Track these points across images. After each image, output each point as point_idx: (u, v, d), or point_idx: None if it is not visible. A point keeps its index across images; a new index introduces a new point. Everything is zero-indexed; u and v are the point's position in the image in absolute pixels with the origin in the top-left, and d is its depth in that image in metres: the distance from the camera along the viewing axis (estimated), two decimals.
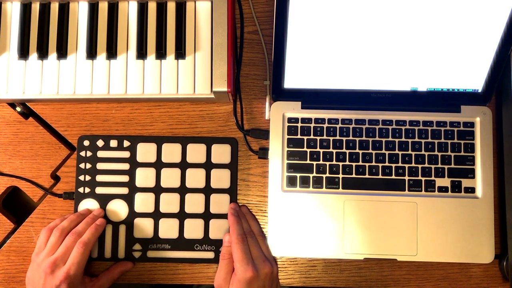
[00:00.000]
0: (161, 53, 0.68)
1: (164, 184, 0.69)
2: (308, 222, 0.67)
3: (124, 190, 0.69)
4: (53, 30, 0.69)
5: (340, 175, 0.68)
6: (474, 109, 0.69)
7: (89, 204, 0.69)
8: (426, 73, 0.65)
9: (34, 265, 0.63)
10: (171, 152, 0.70)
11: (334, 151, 0.68)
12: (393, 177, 0.68)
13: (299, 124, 0.69)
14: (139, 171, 0.69)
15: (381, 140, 0.69)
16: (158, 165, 0.69)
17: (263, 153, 0.70)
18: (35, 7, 0.69)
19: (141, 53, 0.68)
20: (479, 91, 0.67)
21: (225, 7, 0.66)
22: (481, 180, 0.68)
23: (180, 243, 0.68)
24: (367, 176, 0.68)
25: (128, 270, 0.68)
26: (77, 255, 0.62)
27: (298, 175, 0.68)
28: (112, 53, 0.68)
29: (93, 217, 0.67)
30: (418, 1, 0.59)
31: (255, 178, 0.71)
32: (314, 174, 0.68)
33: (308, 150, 0.69)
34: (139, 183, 0.69)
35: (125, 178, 0.69)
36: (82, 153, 0.70)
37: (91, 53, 0.68)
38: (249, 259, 0.62)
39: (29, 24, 0.69)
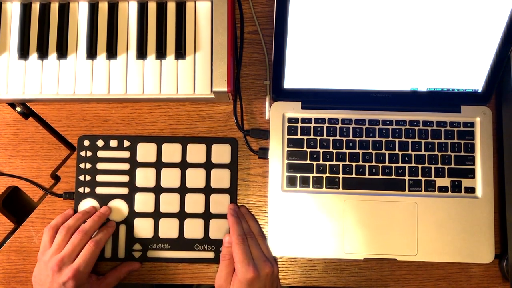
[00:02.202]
0: (161, 53, 0.68)
1: (164, 184, 0.69)
2: (308, 222, 0.67)
3: (124, 190, 0.69)
4: (53, 30, 0.69)
5: (340, 175, 0.68)
6: (474, 109, 0.69)
7: (89, 204, 0.69)
8: (426, 73, 0.65)
9: (40, 263, 0.63)
10: (171, 152, 0.70)
11: (334, 151, 0.68)
12: (393, 177, 0.68)
13: (299, 124, 0.69)
14: (139, 171, 0.69)
15: (381, 140, 0.69)
16: (158, 165, 0.70)
17: (263, 153, 0.70)
18: (35, 7, 0.69)
19: (141, 53, 0.68)
20: (479, 91, 0.67)
21: (225, 7, 0.66)
22: (481, 180, 0.68)
23: (180, 243, 0.68)
24: (367, 176, 0.68)
25: (136, 270, 0.68)
26: (87, 253, 0.62)
27: (298, 175, 0.68)
28: (112, 53, 0.68)
29: (100, 215, 0.66)
30: (418, 1, 0.59)
31: (255, 178, 0.71)
32: (314, 174, 0.68)
33: (308, 150, 0.69)
34: (139, 183, 0.69)
35: (125, 178, 0.69)
36: (82, 153, 0.70)
37: (91, 53, 0.68)
38: (249, 260, 0.62)
39: (29, 24, 0.69)
